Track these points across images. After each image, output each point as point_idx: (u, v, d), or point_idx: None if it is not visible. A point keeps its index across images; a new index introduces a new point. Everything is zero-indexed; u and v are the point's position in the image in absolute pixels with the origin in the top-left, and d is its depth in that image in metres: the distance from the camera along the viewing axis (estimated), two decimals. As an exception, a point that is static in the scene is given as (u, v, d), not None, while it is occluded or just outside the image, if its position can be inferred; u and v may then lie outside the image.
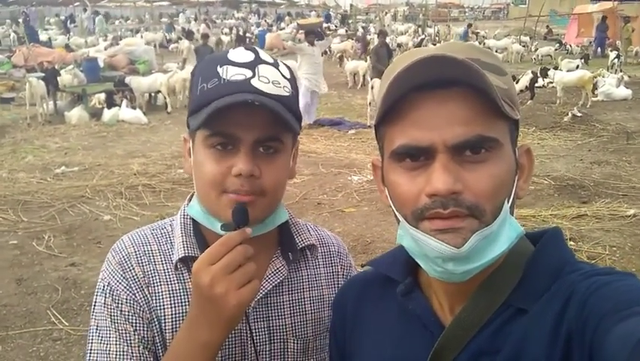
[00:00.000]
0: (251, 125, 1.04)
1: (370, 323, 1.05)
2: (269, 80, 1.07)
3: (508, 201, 0.85)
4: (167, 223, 1.24)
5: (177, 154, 9.34)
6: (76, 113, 12.21)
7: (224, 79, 1.05)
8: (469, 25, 31.31)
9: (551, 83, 14.46)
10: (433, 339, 0.91)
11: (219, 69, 1.07)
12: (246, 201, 1.06)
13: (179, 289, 1.15)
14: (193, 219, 1.18)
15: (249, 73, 1.06)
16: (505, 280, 0.88)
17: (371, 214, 6.69)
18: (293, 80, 1.14)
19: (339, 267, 1.31)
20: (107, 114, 12.18)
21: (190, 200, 1.22)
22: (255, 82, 1.05)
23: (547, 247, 0.91)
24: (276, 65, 1.11)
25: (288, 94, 1.10)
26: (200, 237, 1.17)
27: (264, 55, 1.12)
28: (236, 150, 1.06)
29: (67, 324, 4.42)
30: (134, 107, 12.60)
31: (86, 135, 11.05)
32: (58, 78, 13.29)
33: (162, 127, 11.90)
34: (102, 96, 13.48)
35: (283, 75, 1.11)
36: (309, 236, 1.27)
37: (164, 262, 1.17)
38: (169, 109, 13.23)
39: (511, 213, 0.87)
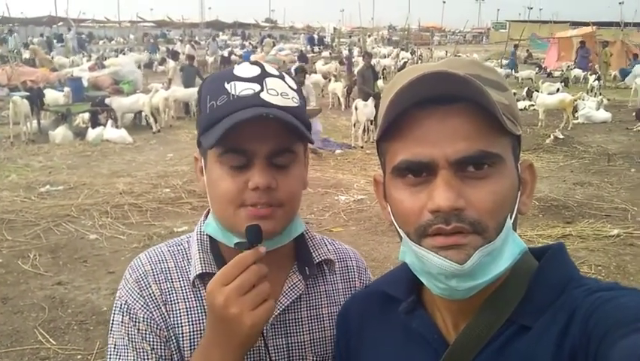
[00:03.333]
0: (264, 139, 1.04)
1: (373, 340, 1.05)
2: (277, 93, 1.07)
3: (510, 217, 0.84)
4: (183, 240, 1.23)
5: (163, 173, 9.32)
6: (60, 133, 12.14)
7: (233, 95, 1.05)
8: (516, 46, 31.06)
9: (533, 105, 14.69)
10: (436, 357, 0.90)
11: (227, 85, 1.06)
12: (264, 214, 1.06)
13: (197, 307, 1.13)
14: (210, 235, 1.17)
15: (257, 87, 1.06)
16: (509, 296, 0.87)
17: (359, 234, 6.72)
18: (299, 91, 1.14)
19: (357, 282, 1.29)
20: (92, 134, 12.13)
21: (206, 217, 1.21)
22: (264, 95, 1.05)
23: (551, 262, 0.91)
24: (282, 77, 1.12)
25: (297, 104, 1.10)
26: (218, 253, 1.16)
27: (269, 68, 1.12)
28: (250, 164, 1.05)
29: (54, 343, 4.36)
30: (118, 127, 12.55)
31: (70, 154, 10.97)
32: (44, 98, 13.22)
33: (147, 147, 11.85)
34: (86, 116, 13.41)
35: (290, 86, 1.11)
36: (325, 250, 1.25)
37: (181, 279, 1.16)
38: (154, 129, 13.18)
39: (514, 229, 0.86)
